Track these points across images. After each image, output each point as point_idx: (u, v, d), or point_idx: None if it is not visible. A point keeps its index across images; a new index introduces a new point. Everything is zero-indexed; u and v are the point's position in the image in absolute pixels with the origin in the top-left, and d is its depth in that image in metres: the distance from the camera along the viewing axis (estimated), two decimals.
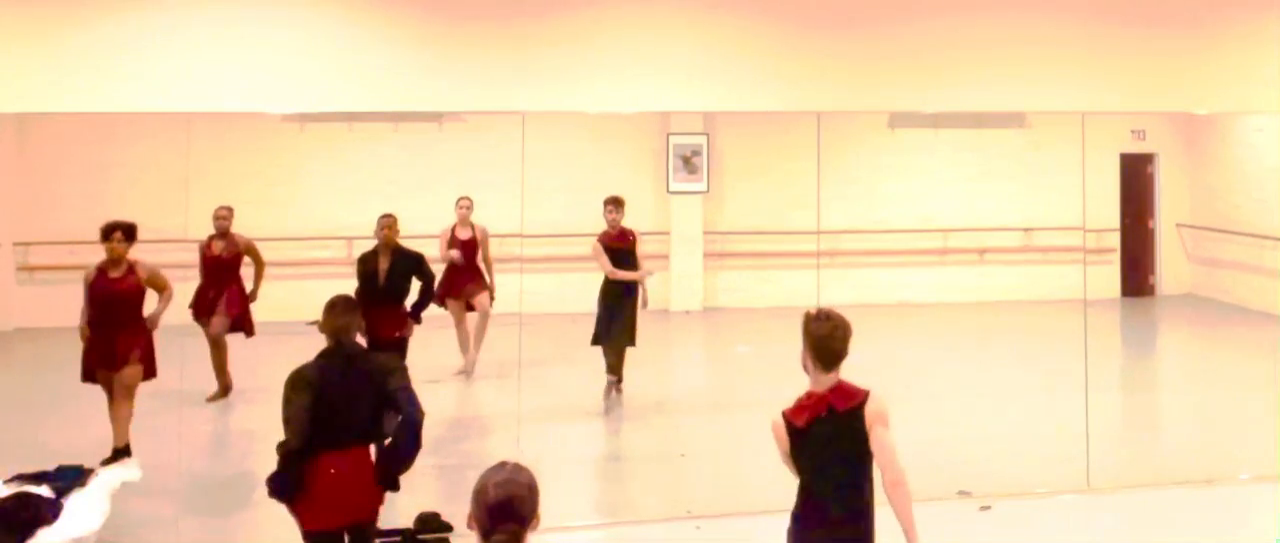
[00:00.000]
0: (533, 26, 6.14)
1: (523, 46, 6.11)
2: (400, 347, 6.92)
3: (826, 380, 3.67)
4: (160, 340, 6.73)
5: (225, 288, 7.77)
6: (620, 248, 8.13)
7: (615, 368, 8.12)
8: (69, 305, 7.32)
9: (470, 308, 8.58)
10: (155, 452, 6.65)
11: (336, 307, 4.45)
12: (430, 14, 6.09)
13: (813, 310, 3.74)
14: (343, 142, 10.47)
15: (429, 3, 6.12)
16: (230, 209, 7.86)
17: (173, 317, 7.10)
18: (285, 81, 5.90)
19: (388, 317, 6.94)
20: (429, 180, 9.90)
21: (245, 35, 5.83)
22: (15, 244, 9.27)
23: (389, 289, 7.08)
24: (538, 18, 6.16)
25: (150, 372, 6.56)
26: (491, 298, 8.54)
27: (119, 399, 6.39)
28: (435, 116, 10.43)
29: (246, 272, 7.93)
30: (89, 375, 6.47)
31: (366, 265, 7.18)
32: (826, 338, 3.65)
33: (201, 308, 7.73)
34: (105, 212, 8.58)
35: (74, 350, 6.85)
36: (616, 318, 8.00)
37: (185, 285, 7.53)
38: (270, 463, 4.18)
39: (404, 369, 4.43)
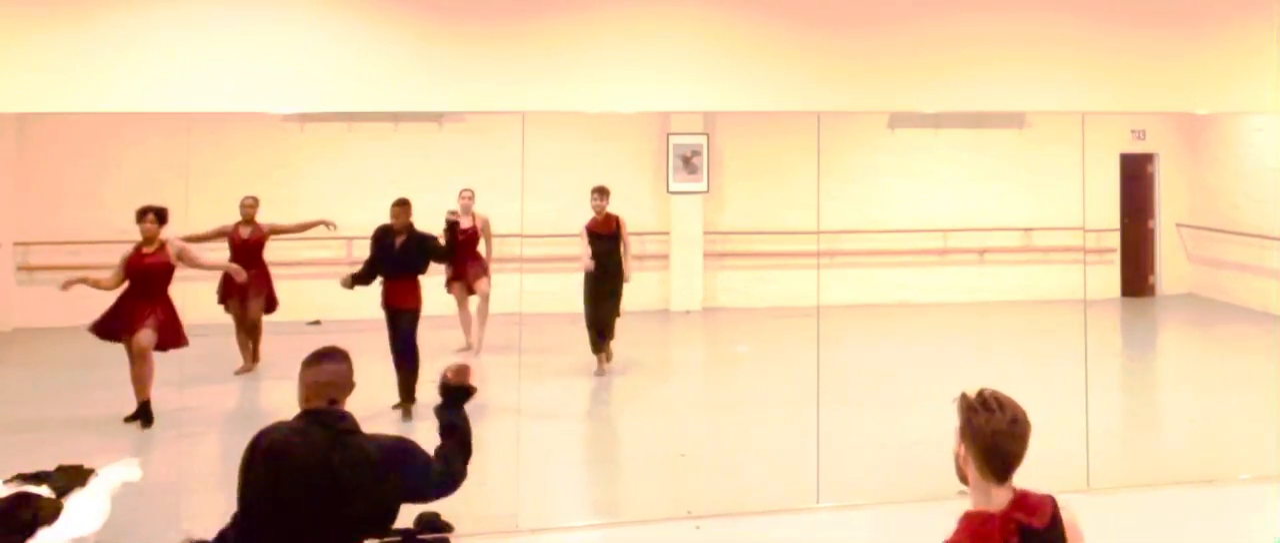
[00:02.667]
0: (533, 26, 6.14)
1: (523, 46, 6.10)
2: (414, 318, 7.61)
3: (1001, 495, 2.70)
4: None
5: (255, 270, 8.30)
6: (603, 234, 8.84)
7: (605, 340, 8.83)
8: (69, 306, 7.33)
9: (471, 292, 9.09)
10: (156, 452, 6.66)
11: (320, 359, 3.43)
12: (430, 14, 6.09)
13: (973, 395, 2.72)
14: (343, 141, 10.48)
15: (429, 3, 6.12)
16: (256, 199, 8.59)
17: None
18: (285, 81, 5.90)
19: (400, 288, 7.61)
20: (429, 180, 9.89)
21: (245, 35, 5.83)
22: (15, 244, 9.28)
23: (406, 262, 7.63)
24: (538, 18, 6.16)
25: (179, 340, 7.26)
26: (489, 284, 9.09)
27: (136, 362, 7.11)
28: (435, 116, 10.43)
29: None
30: (108, 333, 7.15)
31: (384, 239, 7.69)
32: (1003, 436, 2.68)
33: (231, 289, 8.29)
34: (105, 212, 8.71)
35: (74, 350, 6.88)
36: (603, 298, 8.78)
37: (189, 285, 7.74)
38: None
39: (414, 453, 3.42)
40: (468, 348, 9.02)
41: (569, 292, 9.50)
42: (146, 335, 7.09)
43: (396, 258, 7.63)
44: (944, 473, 6.60)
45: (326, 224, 8.58)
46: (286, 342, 9.05)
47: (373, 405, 7.24)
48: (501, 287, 9.04)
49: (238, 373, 8.45)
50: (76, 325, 7.11)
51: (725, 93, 6.41)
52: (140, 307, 7.13)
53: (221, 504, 6.23)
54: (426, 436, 3.94)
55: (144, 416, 7.14)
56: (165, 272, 7.23)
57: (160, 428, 7.18)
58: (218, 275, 8.35)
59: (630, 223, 9.05)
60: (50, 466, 5.34)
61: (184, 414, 7.48)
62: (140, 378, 7.13)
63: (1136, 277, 12.15)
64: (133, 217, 7.29)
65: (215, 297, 8.50)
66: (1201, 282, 12.01)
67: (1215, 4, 6.82)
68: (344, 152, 10.51)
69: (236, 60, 5.81)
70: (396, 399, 7.55)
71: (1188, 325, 11.57)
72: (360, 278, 7.66)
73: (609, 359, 8.99)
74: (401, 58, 6.03)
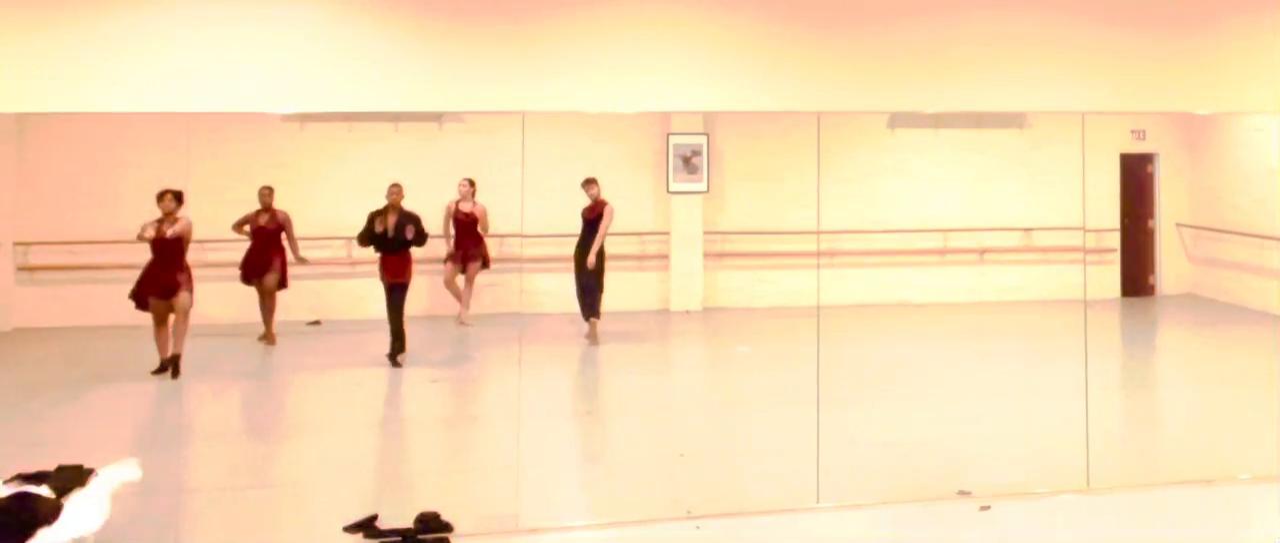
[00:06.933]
0: (533, 26, 6.14)
1: (523, 46, 6.10)
2: (404, 290, 8.74)
3: None
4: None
5: (271, 252, 9.16)
6: (590, 219, 9.66)
7: (591, 315, 9.62)
8: (69, 305, 7.37)
9: (463, 271, 9.87)
10: (156, 452, 6.66)
11: None
12: (430, 14, 6.09)
13: None
14: (343, 141, 10.48)
15: (429, 3, 6.12)
16: (272, 188, 9.24)
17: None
18: (285, 81, 5.90)
19: (394, 262, 8.75)
20: (429, 180, 9.91)
21: (245, 35, 5.83)
22: (15, 244, 9.28)
23: (395, 240, 8.72)
24: (538, 18, 6.16)
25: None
26: (486, 265, 9.86)
27: (178, 321, 8.18)
28: (435, 116, 10.43)
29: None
30: (142, 303, 8.15)
31: (376, 221, 8.79)
32: None
33: (250, 269, 9.13)
34: (105, 212, 8.80)
35: (73, 351, 6.89)
36: (585, 272, 9.60)
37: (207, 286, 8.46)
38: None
39: None
40: (462, 324, 9.67)
41: (569, 291, 9.52)
42: (187, 297, 8.15)
43: (392, 238, 8.74)
44: (943, 472, 6.63)
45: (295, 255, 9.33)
46: (288, 342, 9.14)
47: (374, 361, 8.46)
48: (501, 286, 9.05)
49: (261, 339, 9.08)
50: (76, 325, 7.12)
51: (725, 93, 6.40)
52: (172, 274, 8.08)
53: (222, 503, 6.26)
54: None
55: (175, 367, 8.04)
56: (184, 243, 8.24)
57: (160, 427, 7.19)
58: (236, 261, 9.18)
59: (630, 223, 9.12)
60: (50, 466, 5.35)
61: (183, 414, 7.49)
62: (181, 334, 8.14)
63: (1136, 277, 12.14)
64: (132, 216, 7.70)
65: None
66: (1201, 282, 12.00)
67: (1215, 4, 6.82)
68: (344, 152, 10.51)
69: (236, 60, 5.81)
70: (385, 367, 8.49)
71: (1188, 325, 11.57)
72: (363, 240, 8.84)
73: (596, 340, 9.52)
74: (401, 58, 6.03)
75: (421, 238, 9.00)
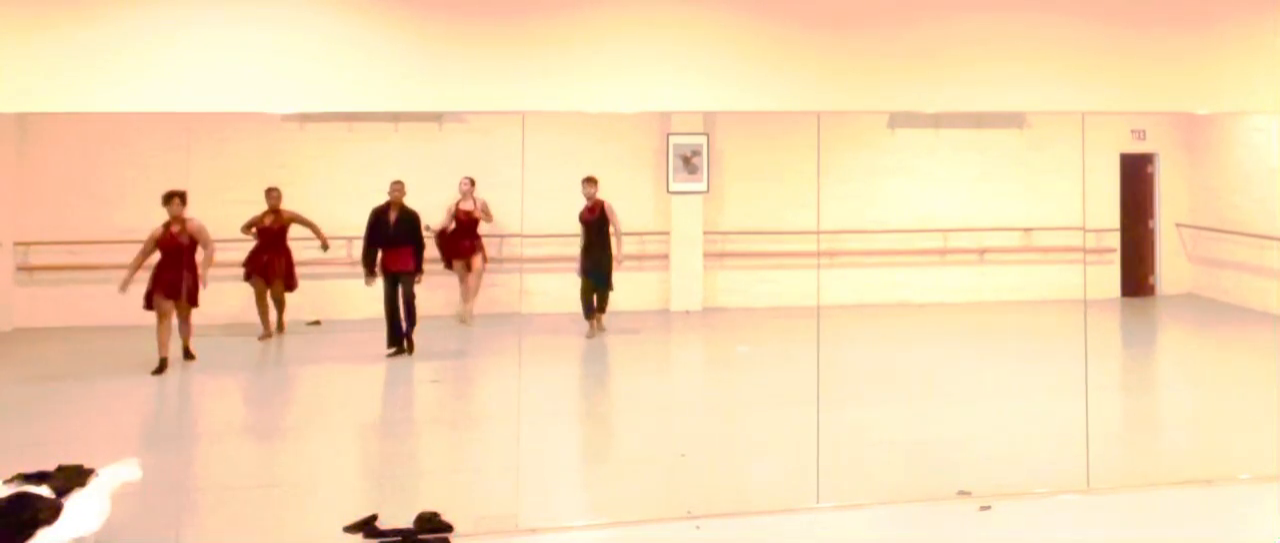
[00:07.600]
0: (533, 26, 6.14)
1: (523, 46, 6.10)
2: (410, 277, 9.02)
3: None
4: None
5: (277, 252, 9.33)
6: (590, 220, 9.86)
7: (599, 307, 9.85)
8: (69, 305, 7.37)
9: (469, 268, 10.06)
10: (156, 452, 6.67)
11: None
12: (430, 14, 6.09)
13: None
14: (343, 141, 10.48)
15: (429, 3, 6.12)
16: (279, 190, 9.41)
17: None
18: (285, 81, 5.90)
19: (398, 255, 9.00)
20: (429, 181, 9.92)
21: (245, 35, 5.83)
22: (15, 244, 9.28)
23: (396, 235, 9.03)
24: (538, 18, 6.16)
25: (195, 302, 8.48)
26: (485, 261, 10.04)
27: (183, 322, 8.38)
28: (435, 117, 10.44)
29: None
30: (149, 302, 8.25)
31: (379, 216, 9.05)
32: None
33: (255, 267, 9.29)
34: (105, 212, 8.85)
35: (73, 351, 6.89)
36: (594, 268, 9.85)
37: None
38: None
39: None
40: (462, 321, 9.84)
41: (569, 291, 9.52)
42: (189, 306, 8.31)
43: (391, 229, 8.98)
44: (943, 472, 6.63)
45: (323, 243, 9.41)
46: (288, 341, 9.16)
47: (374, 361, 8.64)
48: (504, 286, 9.06)
49: (259, 339, 9.21)
50: (76, 325, 7.12)
51: (725, 93, 6.40)
52: (179, 275, 8.24)
53: (222, 503, 6.26)
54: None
55: (186, 353, 8.36)
56: (191, 246, 8.34)
57: (160, 427, 7.20)
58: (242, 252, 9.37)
59: (630, 223, 9.13)
60: (50, 466, 5.34)
61: (183, 414, 7.49)
62: (186, 333, 8.35)
63: (1136, 277, 12.14)
64: (133, 215, 7.74)
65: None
66: (1201, 282, 12.00)
67: (1215, 4, 6.82)
68: (344, 152, 10.52)
69: (237, 60, 5.81)
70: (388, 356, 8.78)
71: (1188, 325, 11.57)
72: (370, 262, 8.94)
73: (601, 327, 9.77)
74: (401, 58, 6.02)
75: (420, 242, 9.12)
